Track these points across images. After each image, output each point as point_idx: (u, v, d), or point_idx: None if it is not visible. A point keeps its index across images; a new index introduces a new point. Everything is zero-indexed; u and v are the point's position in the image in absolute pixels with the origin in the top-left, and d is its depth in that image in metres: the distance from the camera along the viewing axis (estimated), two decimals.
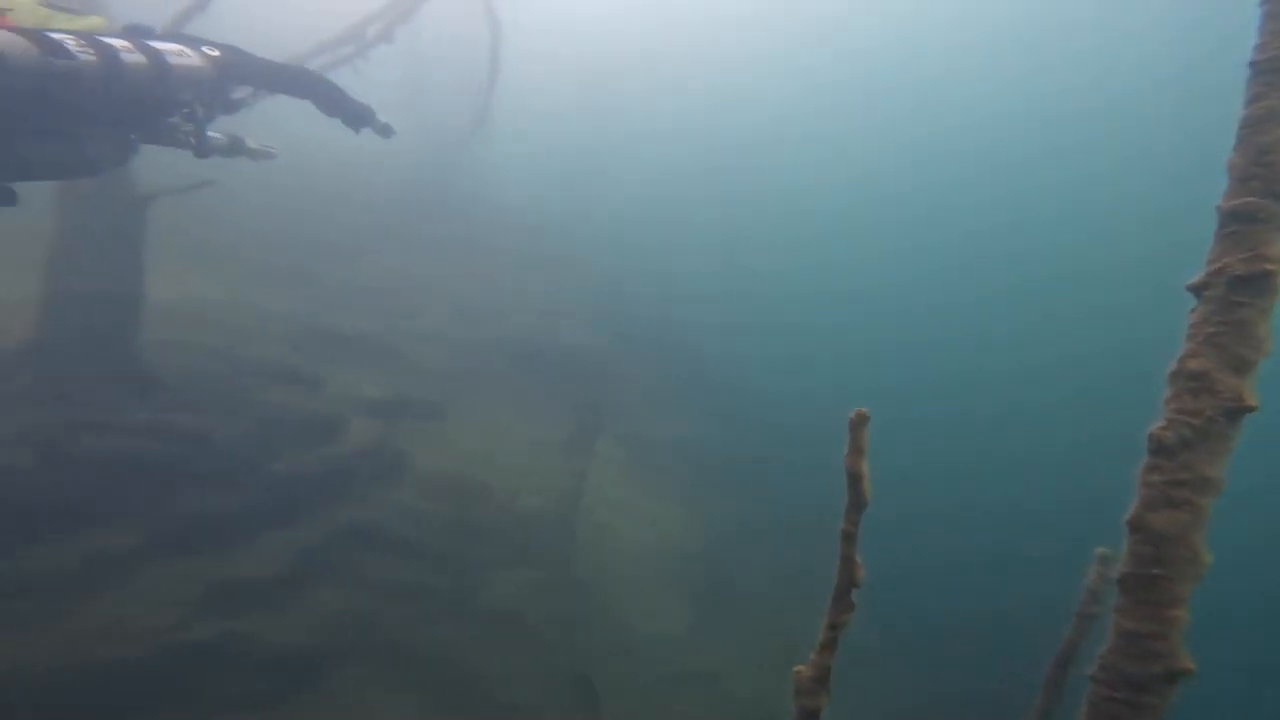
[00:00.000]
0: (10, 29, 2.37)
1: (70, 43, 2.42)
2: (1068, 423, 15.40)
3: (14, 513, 4.70)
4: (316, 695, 4.96)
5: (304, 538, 5.69)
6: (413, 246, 10.75)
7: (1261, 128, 1.52)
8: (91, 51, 2.46)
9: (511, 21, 10.55)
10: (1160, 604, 1.42)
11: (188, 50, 2.86)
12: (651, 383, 11.23)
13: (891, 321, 19.54)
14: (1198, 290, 1.54)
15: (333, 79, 3.44)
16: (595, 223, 14.81)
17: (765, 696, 6.40)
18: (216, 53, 2.99)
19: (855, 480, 1.67)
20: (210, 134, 3.18)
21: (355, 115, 3.40)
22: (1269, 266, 1.47)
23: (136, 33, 2.77)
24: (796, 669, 1.83)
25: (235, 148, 3.34)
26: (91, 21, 2.73)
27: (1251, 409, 1.45)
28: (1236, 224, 1.52)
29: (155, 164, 3.24)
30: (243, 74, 3.11)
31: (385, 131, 3.57)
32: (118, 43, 2.60)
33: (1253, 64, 1.56)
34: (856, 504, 1.70)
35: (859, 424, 1.69)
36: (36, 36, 2.36)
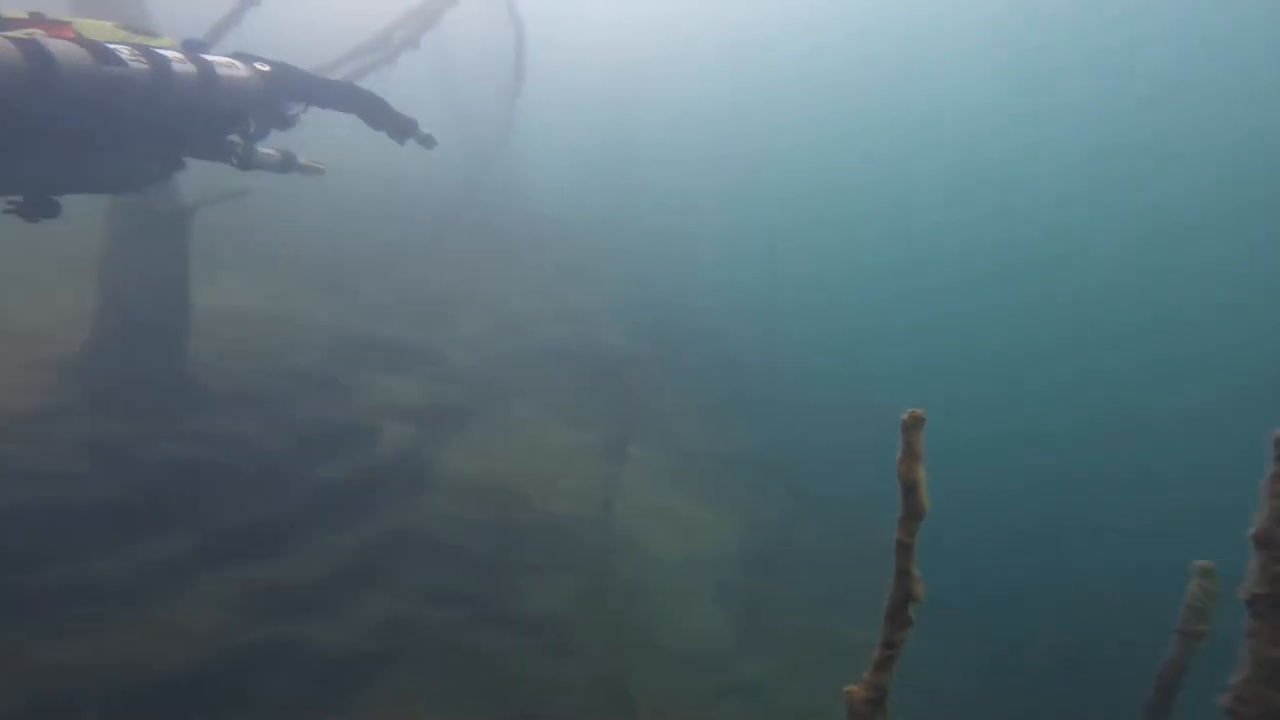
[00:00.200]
0: (70, 39, 2.42)
1: (124, 51, 2.49)
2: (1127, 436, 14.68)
3: (74, 519, 4.83)
4: (365, 700, 5.00)
5: (346, 543, 5.75)
6: (447, 254, 10.85)
7: None
8: (143, 60, 2.52)
9: (535, 13, 10.56)
10: None
11: (237, 64, 2.93)
12: (688, 388, 11.13)
13: (951, 327, 18.36)
14: None
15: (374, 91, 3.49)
16: (629, 227, 14.73)
17: (812, 710, 6.22)
18: (267, 68, 3.05)
19: (910, 488, 1.57)
20: (263, 150, 3.25)
21: (400, 127, 3.49)
22: None
23: (192, 47, 2.83)
24: (848, 689, 1.71)
25: (287, 164, 3.42)
26: (164, 42, 2.80)
27: None
28: None
29: (194, 175, 3.29)
30: (292, 88, 3.18)
31: (428, 142, 3.65)
32: (171, 54, 2.67)
33: None
34: (912, 512, 1.60)
35: (912, 426, 1.58)
36: (91, 45, 2.42)
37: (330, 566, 5.51)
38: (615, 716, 5.68)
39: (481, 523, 6.62)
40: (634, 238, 14.43)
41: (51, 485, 4.91)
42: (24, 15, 2.54)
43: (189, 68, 2.67)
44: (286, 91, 3.17)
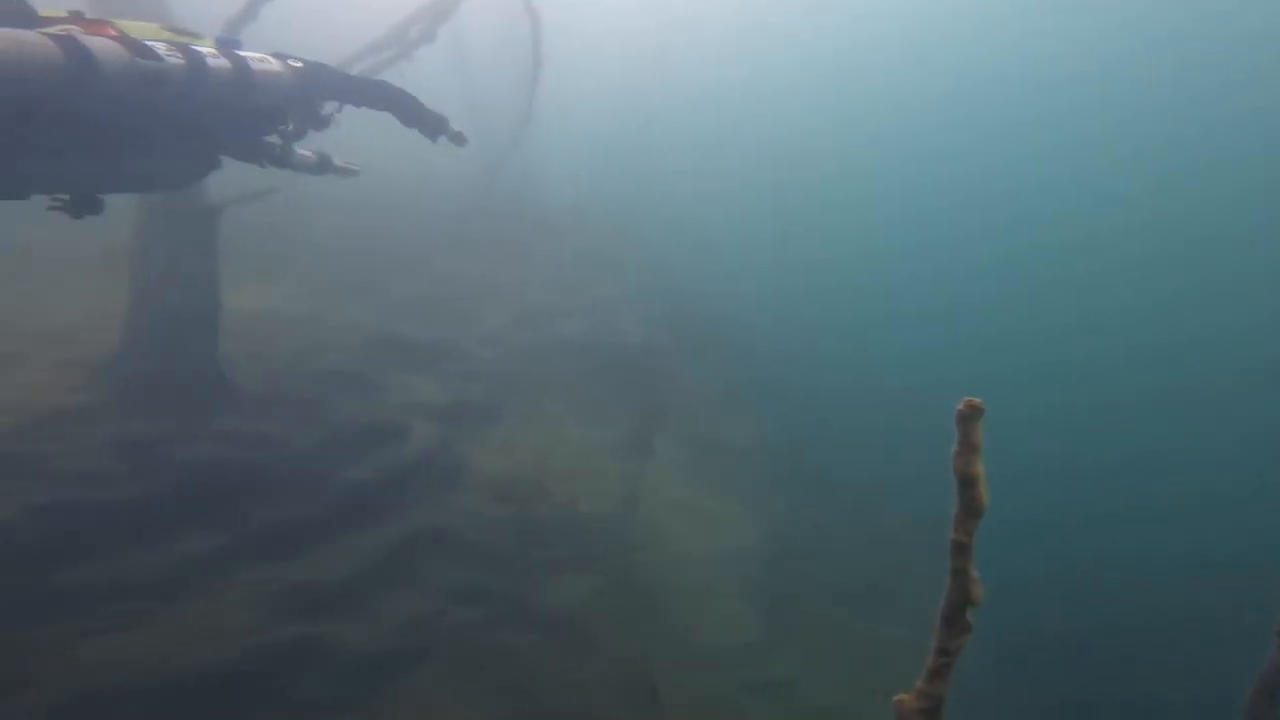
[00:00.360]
0: (109, 36, 2.40)
1: (160, 47, 2.49)
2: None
3: (108, 517, 4.89)
4: (391, 698, 5.03)
5: (374, 542, 5.78)
6: (470, 251, 10.84)
7: None
8: (179, 55, 2.52)
9: (551, 0, 10.45)
10: None
11: (270, 59, 2.91)
12: (711, 382, 11.07)
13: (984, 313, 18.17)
14: None
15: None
16: (646, 214, 14.63)
17: (844, 707, 6.20)
18: (300, 64, 3.04)
19: (968, 483, 1.47)
20: (300, 151, 3.23)
21: (432, 125, 3.47)
22: None
23: (225, 44, 2.82)
24: (898, 698, 1.64)
25: (324, 165, 3.43)
26: (205, 42, 2.80)
27: None
28: None
29: (221, 174, 3.28)
30: (326, 86, 3.17)
31: (459, 140, 3.63)
32: (205, 50, 2.67)
33: None
34: (970, 510, 1.50)
35: (970, 417, 1.48)
36: (128, 41, 2.43)
37: (357, 565, 5.54)
38: (641, 713, 5.68)
39: (505, 520, 6.64)
40: (651, 225, 14.34)
41: (87, 484, 4.97)
42: (63, 14, 2.53)
43: (224, 63, 2.68)
44: (320, 88, 3.16)
